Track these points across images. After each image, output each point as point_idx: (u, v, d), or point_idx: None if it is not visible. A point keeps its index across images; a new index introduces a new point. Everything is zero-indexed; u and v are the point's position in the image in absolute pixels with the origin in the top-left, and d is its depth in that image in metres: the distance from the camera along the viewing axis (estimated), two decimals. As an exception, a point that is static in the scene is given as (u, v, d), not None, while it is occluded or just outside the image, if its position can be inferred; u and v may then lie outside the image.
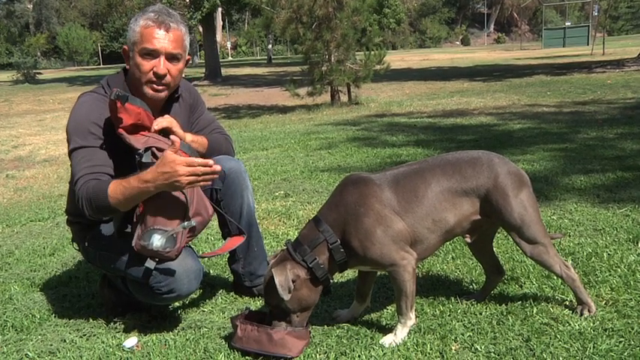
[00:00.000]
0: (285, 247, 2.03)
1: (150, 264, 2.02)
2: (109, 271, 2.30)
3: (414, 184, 1.98)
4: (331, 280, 2.03)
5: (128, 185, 1.93)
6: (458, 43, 58.25)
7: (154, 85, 2.13)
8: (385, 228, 1.92)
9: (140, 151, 1.98)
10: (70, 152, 2.08)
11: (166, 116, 2.15)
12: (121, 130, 2.01)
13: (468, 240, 2.12)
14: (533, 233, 2.00)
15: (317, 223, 1.99)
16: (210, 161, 1.93)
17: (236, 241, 2.31)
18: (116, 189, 1.94)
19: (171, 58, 2.12)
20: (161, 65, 2.10)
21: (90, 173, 2.02)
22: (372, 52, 10.62)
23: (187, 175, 1.88)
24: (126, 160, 2.04)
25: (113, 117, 2.01)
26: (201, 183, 1.95)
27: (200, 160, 1.91)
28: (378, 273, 2.23)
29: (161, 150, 1.99)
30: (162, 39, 2.09)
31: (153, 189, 1.91)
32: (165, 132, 2.10)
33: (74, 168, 2.06)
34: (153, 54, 2.09)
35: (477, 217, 2.02)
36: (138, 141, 2.01)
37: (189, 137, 2.22)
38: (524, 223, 1.99)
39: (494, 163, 2.02)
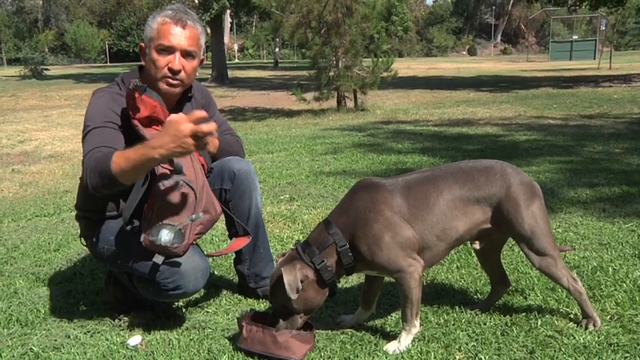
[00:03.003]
0: (293, 248, 2.03)
1: (158, 259, 2.03)
2: (116, 268, 2.31)
3: (426, 192, 1.99)
4: (338, 284, 2.04)
5: (133, 152, 1.86)
6: (464, 52, 58.30)
7: (169, 80, 2.15)
8: (394, 234, 1.93)
9: None
10: (84, 136, 2.08)
11: (180, 114, 2.16)
12: (136, 122, 2.03)
13: (477, 246, 2.12)
14: (543, 245, 2.00)
15: (327, 226, 2.00)
16: (204, 112, 1.84)
17: (242, 242, 2.32)
18: (120, 155, 1.89)
19: (187, 54, 2.15)
20: (176, 61, 2.12)
21: (99, 147, 2.00)
22: (380, 59, 10.63)
23: (193, 134, 1.78)
24: None
25: (130, 106, 2.03)
26: (207, 143, 1.84)
27: (199, 113, 1.82)
28: (385, 279, 2.23)
29: None
30: (178, 35, 2.12)
31: (158, 155, 1.82)
32: None
33: (85, 147, 2.05)
34: (169, 50, 2.12)
35: (487, 225, 2.03)
36: (151, 134, 2.01)
37: None
38: (534, 235, 1.99)
39: (507, 172, 2.03)
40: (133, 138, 2.04)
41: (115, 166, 1.89)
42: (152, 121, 2.06)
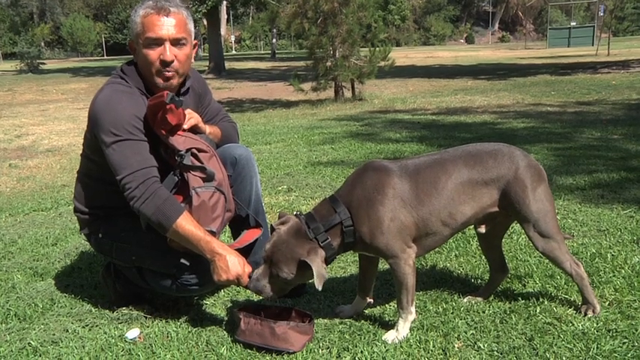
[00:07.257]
0: (296, 217, 2.00)
1: (186, 260, 2.08)
2: (127, 263, 2.29)
3: (435, 176, 1.98)
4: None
5: (197, 237, 1.99)
6: (462, 41, 58.05)
7: (164, 74, 2.10)
8: (394, 219, 1.92)
9: (181, 152, 2.01)
10: (112, 143, 2.03)
11: (192, 112, 2.18)
12: (164, 132, 2.02)
13: (482, 230, 2.12)
14: (548, 228, 2.00)
15: (334, 203, 1.98)
16: (244, 283, 2.02)
17: (254, 234, 2.31)
18: (186, 223, 1.98)
19: (176, 43, 2.09)
20: (167, 52, 2.07)
21: (145, 168, 2.03)
22: (377, 49, 10.58)
23: (224, 282, 2.02)
24: (155, 157, 2.09)
25: (160, 117, 2.00)
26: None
27: (242, 281, 2.02)
28: (381, 267, 2.23)
29: (200, 150, 2.04)
30: (164, 25, 2.05)
31: (210, 258, 2.00)
32: (193, 128, 2.14)
33: (120, 160, 2.03)
34: (157, 42, 2.07)
35: (494, 209, 2.02)
36: (178, 142, 2.03)
37: (207, 130, 2.26)
38: (540, 217, 1.99)
39: (515, 155, 2.03)
40: (152, 140, 2.07)
41: (174, 229, 1.98)
42: (174, 128, 2.05)
